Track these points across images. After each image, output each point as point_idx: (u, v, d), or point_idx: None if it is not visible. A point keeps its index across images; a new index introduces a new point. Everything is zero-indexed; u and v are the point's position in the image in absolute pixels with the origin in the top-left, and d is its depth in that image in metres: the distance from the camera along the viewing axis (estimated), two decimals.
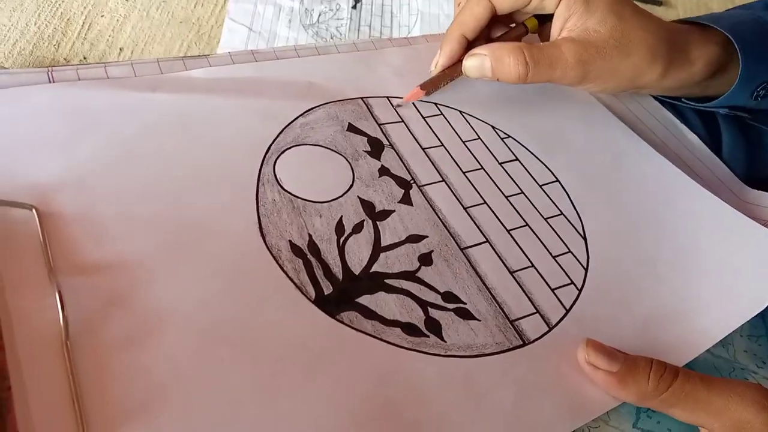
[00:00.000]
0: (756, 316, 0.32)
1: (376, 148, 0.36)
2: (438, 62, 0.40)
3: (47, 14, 0.56)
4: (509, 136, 0.40)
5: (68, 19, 0.56)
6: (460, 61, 0.39)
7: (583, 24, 0.36)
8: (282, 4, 0.60)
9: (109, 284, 0.26)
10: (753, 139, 0.47)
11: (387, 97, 0.39)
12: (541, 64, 0.35)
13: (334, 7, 0.61)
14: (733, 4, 0.71)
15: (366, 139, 0.36)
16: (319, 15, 0.60)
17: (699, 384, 0.26)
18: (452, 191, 0.35)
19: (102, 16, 0.57)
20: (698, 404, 0.26)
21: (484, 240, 0.33)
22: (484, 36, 0.41)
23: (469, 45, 0.39)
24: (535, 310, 0.31)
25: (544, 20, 0.41)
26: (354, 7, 0.62)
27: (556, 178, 0.38)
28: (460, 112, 0.40)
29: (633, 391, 0.27)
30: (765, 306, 0.32)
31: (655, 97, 0.46)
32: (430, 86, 0.39)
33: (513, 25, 0.42)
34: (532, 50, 0.35)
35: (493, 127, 0.40)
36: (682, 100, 0.44)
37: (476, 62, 0.37)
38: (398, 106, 0.39)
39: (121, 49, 0.56)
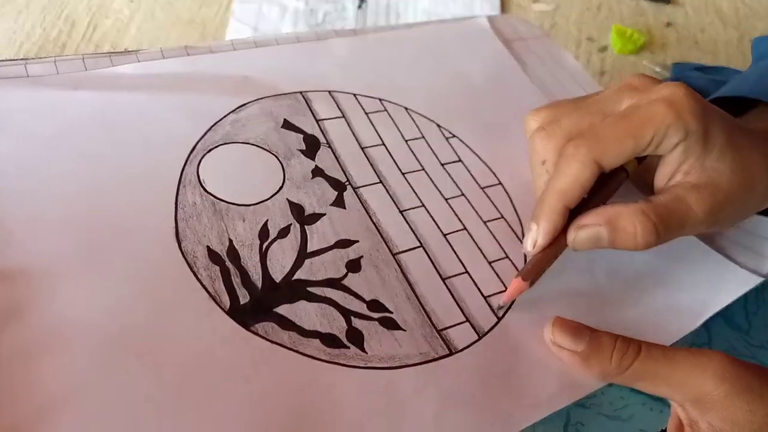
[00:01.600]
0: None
1: (311, 147, 0.35)
2: (538, 243, 0.30)
3: (52, 16, 0.56)
4: (454, 136, 0.38)
5: (73, 21, 0.56)
6: (561, 233, 0.30)
7: (701, 164, 0.30)
8: (287, 5, 0.60)
9: (8, 293, 0.25)
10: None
11: (329, 91, 0.38)
12: (671, 227, 0.29)
13: (339, 7, 0.61)
14: (742, 2, 0.69)
15: (302, 136, 0.35)
16: (324, 15, 0.60)
17: (661, 359, 0.27)
18: (389, 193, 0.34)
19: (107, 17, 0.58)
20: (659, 379, 0.27)
21: (418, 245, 0.32)
22: None
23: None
24: (465, 319, 0.30)
25: (641, 159, 0.33)
26: (359, 7, 0.62)
27: (499, 180, 0.37)
28: (406, 108, 0.39)
29: (596, 370, 0.28)
30: (703, 320, 0.31)
31: None
32: (534, 275, 0.30)
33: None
34: (658, 212, 0.29)
35: (438, 125, 0.39)
36: None
37: (590, 234, 0.29)
38: (500, 308, 0.31)
39: (126, 51, 0.56)
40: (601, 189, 0.31)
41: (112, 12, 0.57)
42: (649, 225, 0.29)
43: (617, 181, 0.32)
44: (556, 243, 0.30)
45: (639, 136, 0.29)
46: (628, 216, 0.29)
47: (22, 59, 0.33)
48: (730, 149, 0.30)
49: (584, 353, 0.28)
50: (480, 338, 0.29)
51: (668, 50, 0.60)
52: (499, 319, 0.30)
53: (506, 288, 0.31)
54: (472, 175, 0.36)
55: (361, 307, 0.29)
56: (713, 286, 0.33)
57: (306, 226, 0.31)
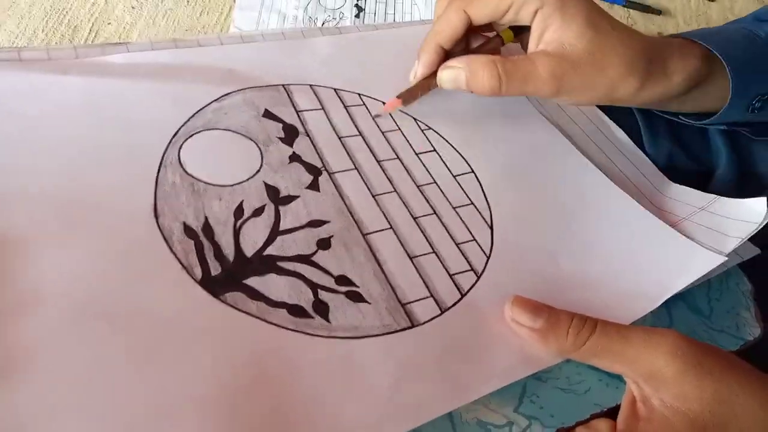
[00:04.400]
0: (662, 307, 0.33)
1: (290, 135, 0.36)
2: (417, 72, 0.39)
3: (54, 22, 0.57)
4: (430, 128, 0.40)
5: (75, 27, 0.58)
6: (436, 71, 0.38)
7: (559, 37, 0.35)
8: (286, 13, 0.62)
9: None
10: (744, 154, 0.47)
11: (310, 85, 0.40)
12: (514, 79, 0.35)
13: (337, 15, 0.63)
14: (731, 12, 0.71)
15: (281, 125, 0.37)
16: (323, 23, 0.62)
17: (615, 336, 0.28)
18: (363, 179, 0.35)
19: (109, 23, 0.59)
20: (614, 356, 0.28)
21: (388, 226, 0.33)
22: (462, 47, 0.40)
23: (447, 55, 0.39)
24: (429, 294, 0.31)
25: (523, 31, 0.40)
26: (357, 15, 0.63)
27: (471, 169, 0.38)
28: (383, 103, 0.40)
29: (553, 346, 0.29)
30: (665, 299, 0.32)
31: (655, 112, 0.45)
32: (408, 96, 0.39)
33: (492, 35, 0.41)
34: (506, 64, 0.35)
35: (414, 118, 0.40)
36: (680, 117, 0.43)
37: (451, 75, 0.37)
38: (377, 116, 0.39)
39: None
40: (478, 50, 0.40)
41: (114, 18, 0.59)
42: (494, 72, 0.35)
43: (492, 44, 0.40)
44: (431, 78, 0.39)
45: None
46: (481, 63, 0.36)
47: (15, 47, 0.35)
48: (590, 30, 0.35)
49: (542, 330, 0.29)
50: (442, 313, 0.30)
51: None
52: (463, 294, 0.31)
53: (472, 268, 0.33)
54: (445, 163, 0.38)
55: (329, 282, 0.30)
56: (675, 266, 0.34)
57: (280, 207, 0.33)
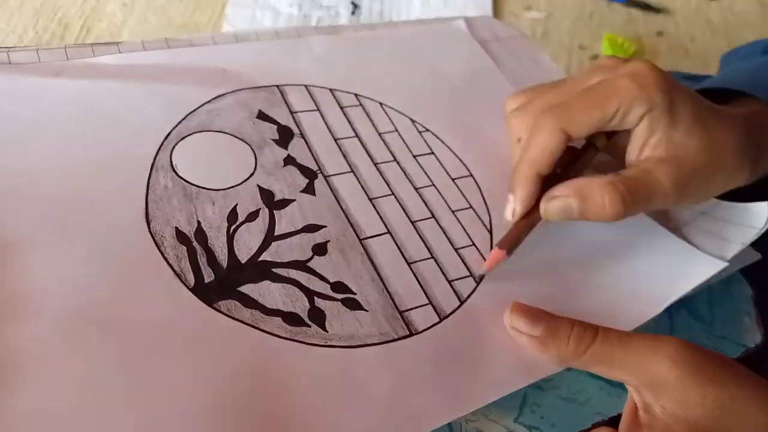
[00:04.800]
0: (663, 313, 0.32)
1: (284, 137, 0.36)
2: (516, 210, 0.32)
3: (45, 19, 0.56)
4: (428, 130, 0.39)
5: (66, 24, 0.57)
6: (537, 204, 0.32)
7: (669, 138, 0.31)
8: (280, 10, 0.61)
9: None
10: None
11: (305, 86, 0.39)
12: (639, 198, 0.30)
13: (332, 13, 0.62)
14: (731, 11, 0.71)
15: (276, 127, 0.36)
16: (318, 21, 0.61)
17: (617, 344, 0.27)
18: (360, 182, 0.35)
19: (100, 21, 0.58)
20: (615, 363, 0.27)
21: (386, 231, 0.33)
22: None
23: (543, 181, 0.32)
24: (427, 301, 0.30)
25: (611, 134, 0.34)
26: (353, 13, 0.63)
27: (470, 172, 0.37)
28: (381, 104, 0.40)
29: (553, 354, 0.28)
30: (666, 306, 0.31)
31: None
32: (511, 244, 0.31)
33: (579, 145, 0.35)
34: (627, 183, 0.30)
35: (412, 120, 0.39)
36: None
37: (560, 205, 0.31)
38: (480, 276, 0.32)
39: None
40: (573, 164, 0.33)
41: (105, 16, 0.58)
42: (617, 195, 0.30)
43: (588, 156, 0.33)
44: (531, 214, 0.31)
45: (604, 107, 0.30)
46: (596, 187, 0.30)
47: (4, 47, 0.34)
48: (698, 125, 0.31)
49: (542, 337, 0.28)
50: (441, 321, 0.30)
51: (659, 59, 0.60)
52: (462, 301, 0.31)
53: (471, 274, 0.32)
54: (443, 166, 0.37)
55: (324, 288, 0.29)
56: (676, 272, 0.33)
57: (275, 211, 0.32)
